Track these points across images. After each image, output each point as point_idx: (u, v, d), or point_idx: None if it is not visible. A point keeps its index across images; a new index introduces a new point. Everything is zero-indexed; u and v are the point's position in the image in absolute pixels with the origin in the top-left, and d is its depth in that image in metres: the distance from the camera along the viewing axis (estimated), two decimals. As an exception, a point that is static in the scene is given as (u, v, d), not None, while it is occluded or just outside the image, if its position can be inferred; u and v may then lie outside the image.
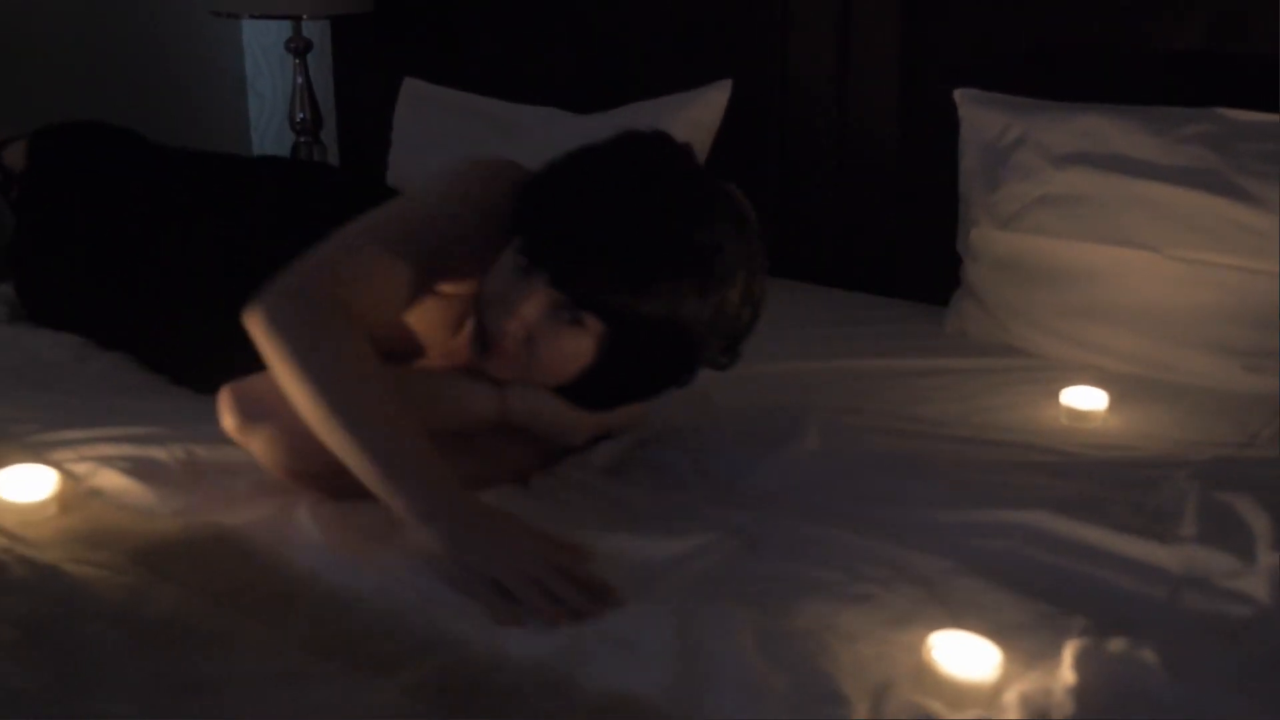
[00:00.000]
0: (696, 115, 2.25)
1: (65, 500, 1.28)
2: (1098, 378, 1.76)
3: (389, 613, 1.06)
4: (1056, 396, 1.70)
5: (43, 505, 1.27)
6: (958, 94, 2.09)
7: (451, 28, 2.70)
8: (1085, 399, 1.67)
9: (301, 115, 2.84)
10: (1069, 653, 1.02)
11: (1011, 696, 0.98)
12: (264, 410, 1.24)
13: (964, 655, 1.02)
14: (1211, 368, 1.77)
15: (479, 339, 1.27)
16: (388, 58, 2.80)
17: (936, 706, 0.97)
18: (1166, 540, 1.21)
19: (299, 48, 2.79)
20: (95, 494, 1.30)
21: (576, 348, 1.24)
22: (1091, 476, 1.42)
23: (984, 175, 2.01)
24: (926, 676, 1.01)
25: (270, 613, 1.05)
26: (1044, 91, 2.04)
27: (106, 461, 1.35)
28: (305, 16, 2.65)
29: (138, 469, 1.34)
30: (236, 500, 1.31)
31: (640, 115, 2.30)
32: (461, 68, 2.64)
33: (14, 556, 1.13)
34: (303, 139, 2.85)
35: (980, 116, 2.06)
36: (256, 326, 1.19)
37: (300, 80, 2.82)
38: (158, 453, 1.37)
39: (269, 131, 3.20)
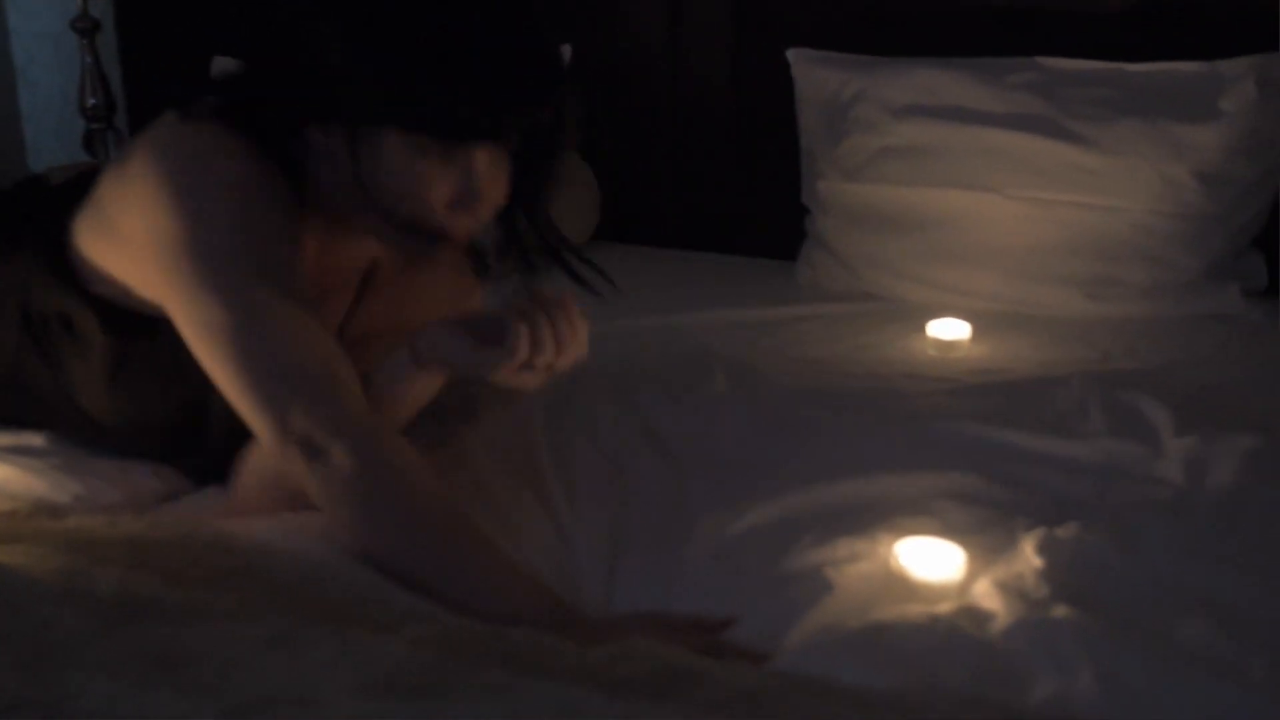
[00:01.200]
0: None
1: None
2: (945, 313, 1.84)
3: (372, 584, 1.01)
4: (920, 332, 1.78)
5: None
6: (791, 53, 2.15)
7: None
8: (950, 330, 1.76)
9: (93, 101, 2.65)
10: (1026, 544, 1.07)
11: (983, 587, 1.02)
12: None
13: (930, 558, 1.06)
14: (1056, 298, 1.88)
15: (419, 238, 1.13)
16: (183, 36, 2.65)
17: (914, 609, 1.00)
18: (1083, 437, 1.28)
19: (86, 28, 2.61)
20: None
21: (503, 181, 1.13)
22: (985, 394, 1.49)
23: (825, 130, 2.08)
24: (897, 582, 1.05)
25: (235, 585, 0.98)
26: (873, 49, 2.12)
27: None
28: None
29: (16, 463, 1.23)
30: (141, 486, 1.23)
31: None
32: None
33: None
34: (95, 125, 2.66)
35: (815, 74, 2.12)
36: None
37: (90, 62, 2.63)
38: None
39: (45, 122, 2.96)
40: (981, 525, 1.13)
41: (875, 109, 2.03)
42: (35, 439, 1.26)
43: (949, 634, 0.94)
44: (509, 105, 1.07)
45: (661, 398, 1.45)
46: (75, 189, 1.24)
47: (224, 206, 1.09)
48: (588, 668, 0.87)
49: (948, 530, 1.11)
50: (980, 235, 1.94)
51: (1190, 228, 1.83)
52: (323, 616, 0.95)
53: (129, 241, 1.13)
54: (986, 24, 2.08)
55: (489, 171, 1.10)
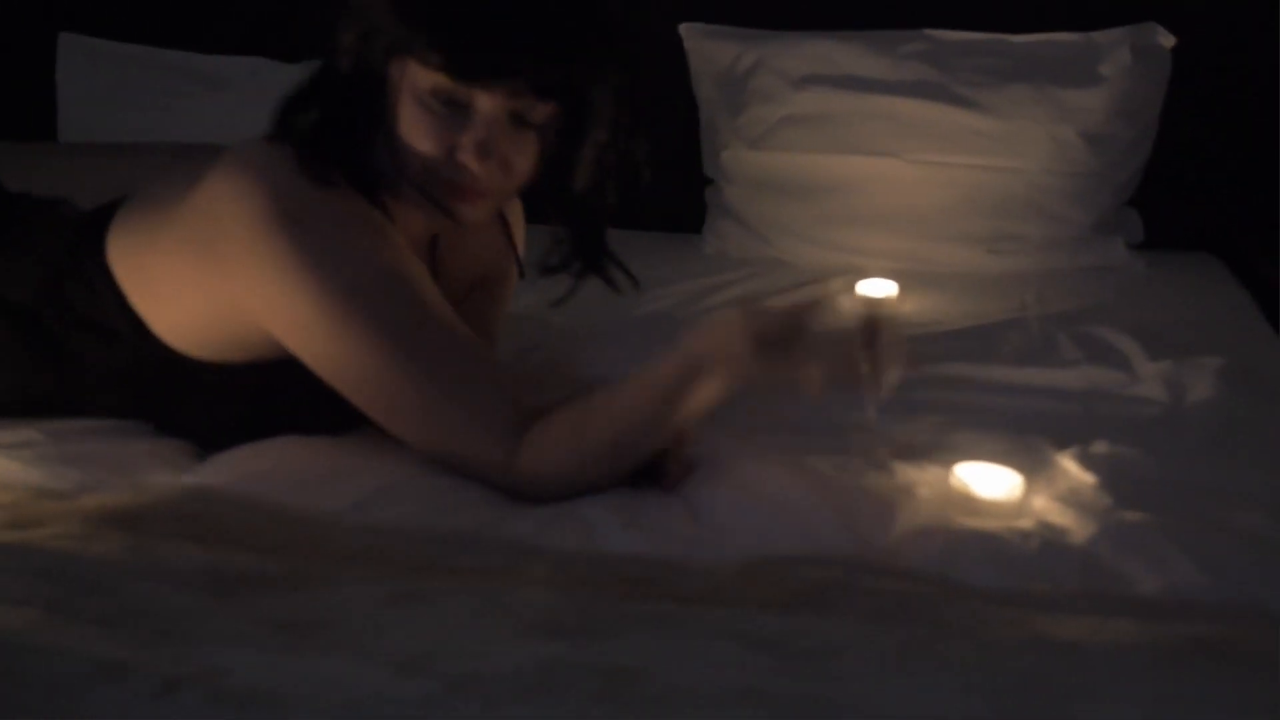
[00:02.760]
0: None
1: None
2: (860, 276, 1.92)
3: (457, 533, 0.97)
4: (844, 292, 1.84)
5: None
6: (683, 28, 2.19)
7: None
8: (879, 288, 1.82)
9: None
10: (1065, 462, 1.13)
11: (1042, 503, 1.08)
12: None
13: (988, 479, 1.11)
14: (959, 255, 1.99)
15: (439, 199, 1.13)
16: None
17: (991, 523, 1.05)
18: (1062, 366, 1.37)
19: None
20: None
21: (531, 145, 1.13)
22: (944, 341, 1.56)
23: (725, 101, 2.13)
24: (964, 502, 1.09)
25: (316, 550, 0.93)
26: (760, 23, 2.18)
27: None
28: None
29: (6, 455, 1.12)
30: (141, 468, 1.14)
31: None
32: (118, 19, 2.37)
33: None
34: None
35: (708, 47, 2.16)
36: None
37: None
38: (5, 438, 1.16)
39: None
40: (1004, 453, 1.18)
41: (773, 79, 2.09)
42: (23, 433, 1.16)
43: (1041, 544, 0.99)
44: (515, 46, 1.06)
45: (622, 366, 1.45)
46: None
47: (346, 244, 1.09)
48: (740, 591, 0.87)
49: (980, 457, 1.17)
50: (885, 198, 2.02)
51: (1079, 185, 1.97)
52: (432, 570, 0.91)
53: (232, 281, 1.11)
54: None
55: (500, 127, 1.09)
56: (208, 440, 1.19)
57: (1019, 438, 1.21)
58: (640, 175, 1.21)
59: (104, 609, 0.83)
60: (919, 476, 1.13)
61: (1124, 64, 1.96)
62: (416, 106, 1.09)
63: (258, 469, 1.09)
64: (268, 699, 0.73)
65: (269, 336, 1.12)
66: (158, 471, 1.15)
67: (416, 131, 1.09)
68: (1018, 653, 0.79)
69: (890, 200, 2.02)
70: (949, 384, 1.36)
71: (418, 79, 1.08)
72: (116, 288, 1.17)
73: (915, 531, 1.02)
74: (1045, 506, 1.07)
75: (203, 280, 1.13)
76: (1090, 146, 1.95)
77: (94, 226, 1.21)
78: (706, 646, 0.80)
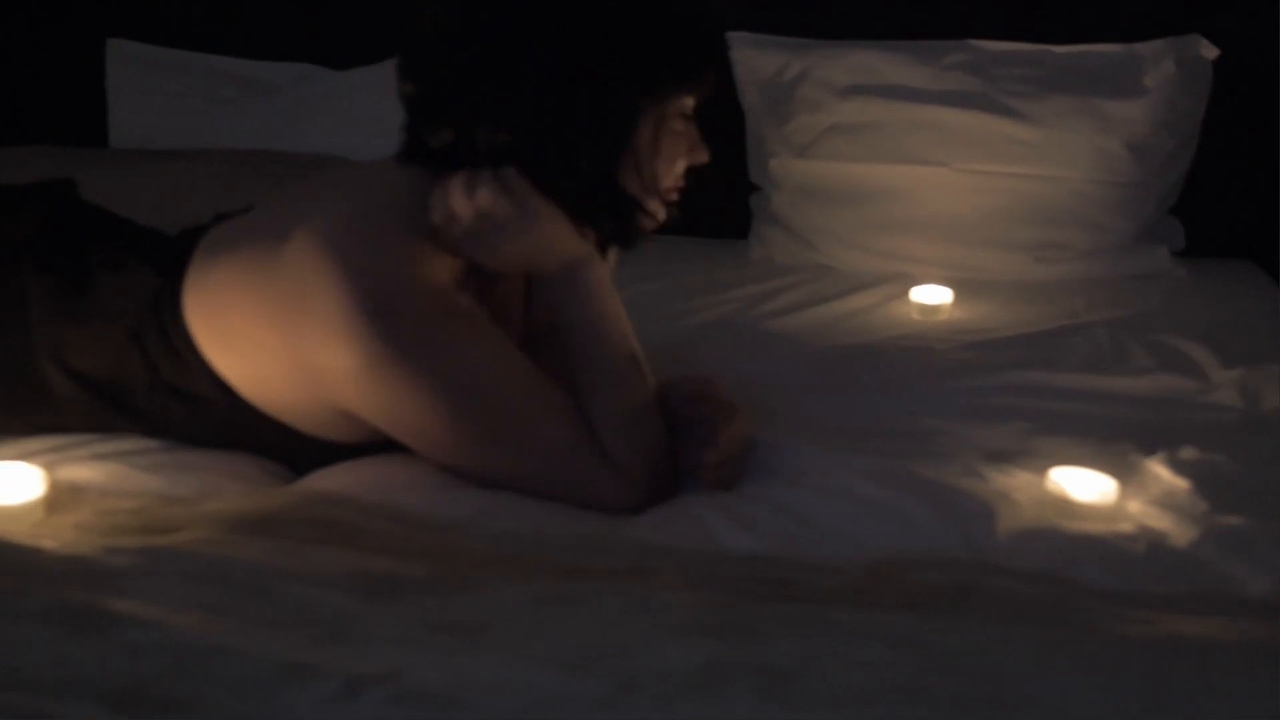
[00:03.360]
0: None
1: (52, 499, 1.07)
2: (910, 282, 1.95)
3: (581, 537, 1.00)
4: (897, 299, 1.88)
5: (30, 507, 1.06)
6: (730, 37, 2.21)
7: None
8: (933, 296, 1.86)
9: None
10: (1155, 468, 1.17)
11: (1137, 507, 1.11)
12: None
13: (1082, 484, 1.14)
14: (1005, 263, 2.02)
15: (646, 213, 1.18)
16: (40, 19, 2.47)
17: (1091, 526, 1.08)
18: (1134, 374, 1.40)
19: (-56, 9, 2.40)
20: (78, 490, 1.10)
21: None
22: (1006, 347, 1.60)
23: (771, 110, 2.16)
24: (1060, 505, 1.12)
25: (455, 554, 0.96)
26: (804, 33, 2.21)
27: (76, 460, 1.15)
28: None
29: (122, 461, 1.15)
30: (252, 475, 1.17)
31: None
32: (166, 25, 2.38)
33: (101, 549, 0.94)
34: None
35: (755, 56, 2.19)
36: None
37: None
38: (121, 446, 1.18)
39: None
40: (1094, 457, 1.22)
41: (819, 89, 2.12)
42: (135, 442, 1.19)
43: (1147, 546, 1.02)
44: (716, 50, 1.18)
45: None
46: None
47: (439, 334, 1.07)
48: (874, 591, 0.91)
49: (1066, 463, 1.20)
50: (930, 206, 2.05)
51: (1123, 194, 2.00)
52: (574, 573, 0.94)
53: (314, 364, 1.09)
54: (910, 10, 2.21)
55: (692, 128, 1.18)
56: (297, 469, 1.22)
57: (1105, 443, 1.24)
58: None
59: (268, 612, 0.86)
60: (1012, 481, 1.17)
61: (1167, 75, 2.00)
62: (670, 130, 1.14)
63: (375, 478, 1.11)
64: (446, 700, 0.76)
65: (350, 416, 1.12)
66: (269, 480, 1.18)
67: (675, 153, 1.16)
68: (1154, 652, 0.83)
69: (936, 208, 2.05)
70: (1026, 390, 1.40)
71: (675, 106, 1.14)
72: (198, 352, 1.13)
73: (1021, 534, 1.05)
74: (1141, 511, 1.11)
75: (280, 349, 1.10)
76: (1134, 156, 1.99)
77: (170, 285, 1.16)
78: (854, 646, 0.83)
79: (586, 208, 1.14)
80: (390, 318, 1.04)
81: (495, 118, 1.09)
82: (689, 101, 1.17)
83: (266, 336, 1.09)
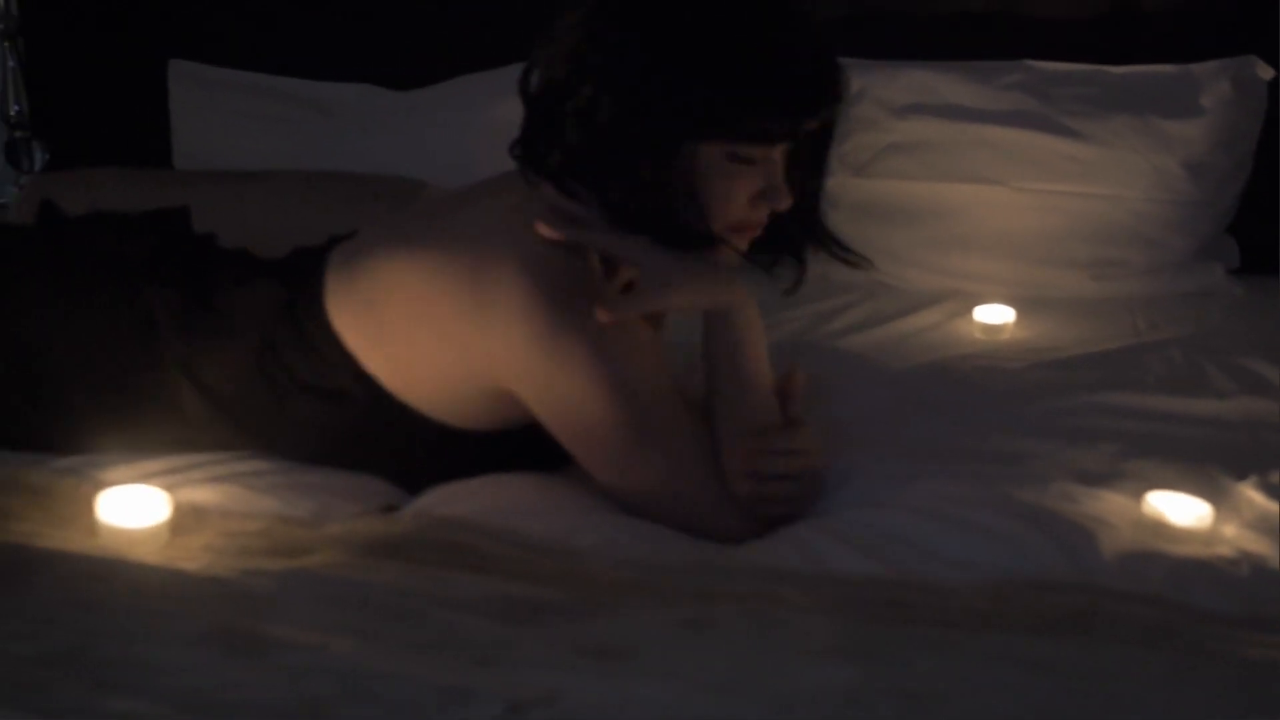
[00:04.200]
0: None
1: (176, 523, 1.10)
2: (969, 300, 1.98)
3: (703, 563, 1.03)
4: (958, 317, 1.91)
5: (157, 530, 1.09)
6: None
7: (207, 3, 2.47)
8: (996, 315, 1.88)
9: (17, 107, 2.47)
10: (1248, 492, 1.19)
11: (1232, 531, 1.14)
12: None
13: (1177, 507, 1.17)
14: (1065, 281, 2.04)
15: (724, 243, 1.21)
16: (107, 39, 2.51)
17: (1191, 549, 1.11)
18: (1218, 396, 1.43)
19: (10, 30, 2.43)
20: (200, 512, 1.13)
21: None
22: (1077, 367, 1.62)
23: (829, 129, 2.18)
24: (1157, 529, 1.15)
25: (588, 580, 0.99)
26: (860, 53, 2.24)
27: (194, 482, 1.18)
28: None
29: (239, 483, 1.18)
30: (366, 495, 1.20)
31: (475, 88, 2.26)
32: (226, 47, 2.42)
33: (247, 572, 0.97)
34: (19, 133, 2.48)
35: (810, 77, 2.22)
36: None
37: (14, 66, 2.45)
38: (237, 468, 1.22)
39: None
40: (1185, 480, 1.24)
41: (876, 108, 2.15)
42: (250, 463, 1.22)
43: (1250, 570, 1.05)
44: (814, 108, 1.16)
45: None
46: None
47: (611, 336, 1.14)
48: (998, 615, 0.93)
49: (1156, 485, 1.22)
50: (989, 224, 2.08)
51: (1181, 213, 2.03)
52: (703, 601, 0.97)
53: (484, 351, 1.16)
54: (965, 30, 2.24)
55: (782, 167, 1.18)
56: (409, 484, 1.25)
57: (1194, 466, 1.26)
58: None
59: (417, 636, 0.89)
60: (1107, 504, 1.19)
61: (1224, 96, 2.03)
62: (717, 164, 1.16)
63: (494, 504, 1.14)
64: (606, 722, 0.79)
65: (510, 400, 1.18)
66: (384, 502, 1.21)
67: (728, 194, 1.18)
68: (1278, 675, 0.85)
69: (994, 226, 2.08)
70: (1109, 411, 1.42)
71: (723, 148, 1.15)
72: (345, 349, 1.21)
73: (1125, 557, 1.08)
74: (1237, 534, 1.13)
75: (449, 338, 1.17)
76: (1191, 176, 2.02)
77: (308, 290, 1.24)
78: (990, 670, 0.86)
79: (638, 226, 1.17)
80: (569, 306, 1.13)
81: (562, 131, 1.16)
82: (752, 150, 1.17)
83: (430, 329, 1.18)
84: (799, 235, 1.30)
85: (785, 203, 1.22)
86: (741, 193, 1.19)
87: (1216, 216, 2.07)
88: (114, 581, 0.96)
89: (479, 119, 2.22)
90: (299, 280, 1.25)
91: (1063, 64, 2.13)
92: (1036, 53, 2.16)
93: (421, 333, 1.19)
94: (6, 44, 2.44)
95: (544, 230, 1.14)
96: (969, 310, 1.91)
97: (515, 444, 1.23)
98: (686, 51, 1.13)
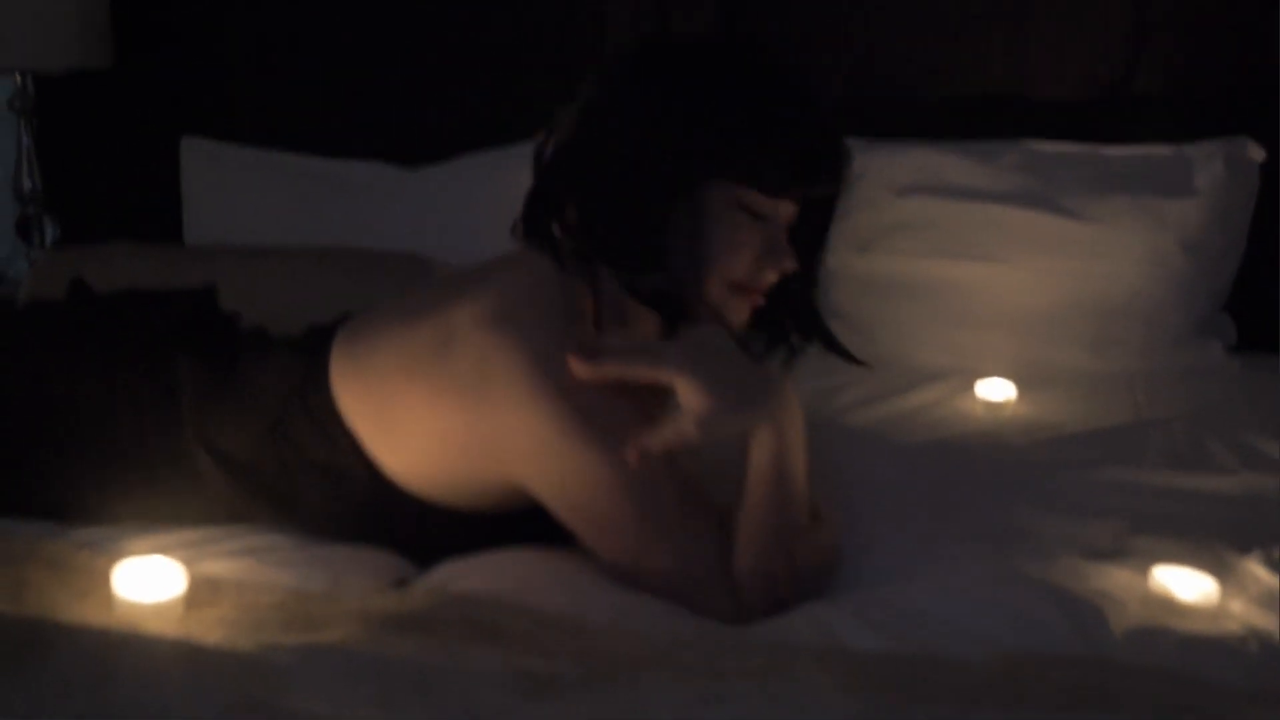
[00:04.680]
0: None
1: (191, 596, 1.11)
2: (971, 376, 2.00)
3: (711, 637, 1.04)
4: (961, 393, 1.93)
5: (173, 603, 1.10)
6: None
7: (219, 81, 2.52)
8: (998, 390, 1.90)
9: (30, 183, 2.51)
10: (1252, 567, 1.20)
11: (1239, 607, 1.15)
12: None
13: (1183, 583, 1.17)
14: (1063, 357, 2.07)
15: (722, 307, 1.22)
16: (119, 117, 2.56)
17: (1197, 624, 1.11)
18: (1220, 472, 1.44)
19: (25, 106, 2.48)
20: (214, 585, 1.13)
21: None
22: (1080, 444, 1.64)
23: (831, 208, 2.22)
24: (1163, 604, 1.16)
25: (600, 654, 0.99)
26: (859, 134, 2.28)
27: (209, 555, 1.19)
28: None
29: (253, 557, 1.19)
30: (381, 570, 1.21)
31: (483, 165, 2.30)
32: (237, 124, 2.46)
33: (269, 647, 0.98)
34: (31, 209, 2.52)
35: (812, 156, 2.27)
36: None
37: (28, 143, 2.50)
38: (250, 543, 1.23)
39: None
40: (1189, 555, 1.25)
41: (877, 188, 2.19)
42: (264, 537, 1.24)
43: (1260, 647, 1.05)
44: (821, 163, 1.18)
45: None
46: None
47: (609, 409, 1.13)
48: (1017, 690, 0.94)
49: (1162, 560, 1.23)
50: (991, 301, 2.11)
51: (1178, 291, 2.06)
52: (716, 677, 0.97)
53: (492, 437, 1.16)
54: (964, 111, 2.29)
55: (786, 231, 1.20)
56: (418, 559, 1.26)
57: (1199, 542, 1.28)
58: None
59: (435, 711, 0.89)
60: (1114, 580, 1.20)
61: (1218, 176, 2.07)
62: (722, 213, 1.17)
63: (508, 578, 1.15)
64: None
65: (513, 487, 1.18)
66: (396, 575, 1.22)
67: (733, 245, 1.18)
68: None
69: (995, 303, 2.11)
70: (1113, 488, 1.44)
71: (730, 196, 1.17)
72: (349, 431, 1.21)
73: (1135, 633, 1.09)
74: (1244, 610, 1.14)
75: (453, 425, 1.17)
76: (1187, 254, 2.05)
77: (315, 368, 1.25)
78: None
79: (635, 285, 1.19)
80: (574, 391, 1.11)
81: (569, 191, 1.20)
82: (760, 201, 1.18)
83: (433, 417, 1.17)
84: (795, 324, 1.31)
85: (790, 265, 1.22)
86: (746, 246, 1.20)
87: (1213, 294, 2.10)
88: (131, 655, 0.96)
89: (487, 196, 2.26)
90: (308, 359, 1.26)
91: (1061, 144, 2.18)
92: (1034, 133, 2.21)
93: (425, 421, 1.18)
94: (21, 121, 2.49)
95: (579, 369, 1.12)
96: (971, 386, 1.93)
97: (521, 523, 1.23)
98: (697, 98, 1.16)
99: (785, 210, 1.22)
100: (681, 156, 1.15)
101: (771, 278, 1.22)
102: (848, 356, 1.34)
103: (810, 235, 1.26)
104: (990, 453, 1.62)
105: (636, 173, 1.16)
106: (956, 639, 1.07)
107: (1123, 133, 2.18)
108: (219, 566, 1.17)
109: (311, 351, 1.27)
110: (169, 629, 1.04)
